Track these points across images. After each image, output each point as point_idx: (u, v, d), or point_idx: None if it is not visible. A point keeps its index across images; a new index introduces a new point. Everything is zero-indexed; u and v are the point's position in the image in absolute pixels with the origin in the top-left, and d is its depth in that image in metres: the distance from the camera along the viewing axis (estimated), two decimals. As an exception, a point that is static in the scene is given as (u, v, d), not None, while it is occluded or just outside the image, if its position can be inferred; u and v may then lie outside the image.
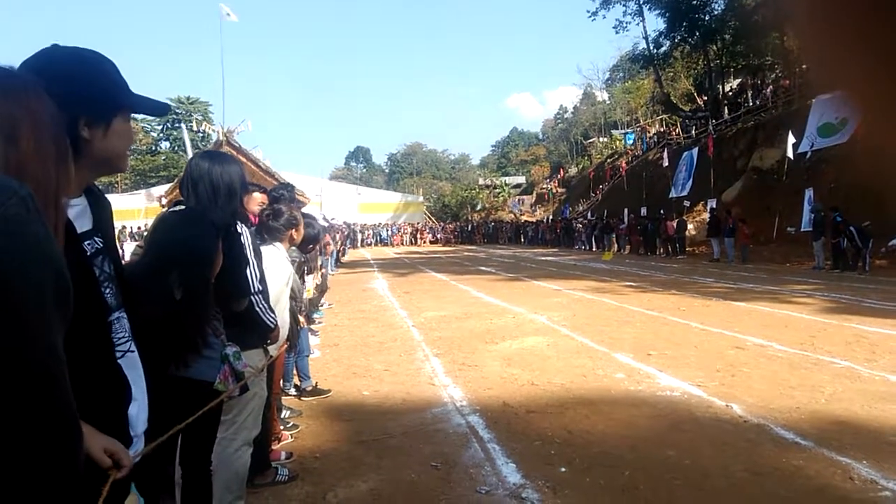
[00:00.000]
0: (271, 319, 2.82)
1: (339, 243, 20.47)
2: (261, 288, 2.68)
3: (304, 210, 4.54)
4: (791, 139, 20.06)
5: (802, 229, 17.93)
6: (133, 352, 1.34)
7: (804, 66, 25.79)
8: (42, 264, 0.64)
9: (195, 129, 43.10)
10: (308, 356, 5.54)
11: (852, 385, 5.03)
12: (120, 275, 1.35)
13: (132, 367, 1.32)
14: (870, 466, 3.40)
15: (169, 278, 2.14)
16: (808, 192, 18.32)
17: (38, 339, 0.63)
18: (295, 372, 5.29)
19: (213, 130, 28.08)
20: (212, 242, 2.39)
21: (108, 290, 1.30)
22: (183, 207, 2.43)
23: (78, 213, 1.29)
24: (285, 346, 3.84)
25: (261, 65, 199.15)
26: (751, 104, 29.94)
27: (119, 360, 1.29)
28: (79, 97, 1.27)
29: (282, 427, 4.39)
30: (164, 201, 24.11)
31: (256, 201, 3.78)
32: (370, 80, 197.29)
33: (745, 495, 3.19)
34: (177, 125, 58.83)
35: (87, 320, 0.99)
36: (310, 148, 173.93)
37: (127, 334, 1.33)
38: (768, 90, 29.96)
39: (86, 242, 1.28)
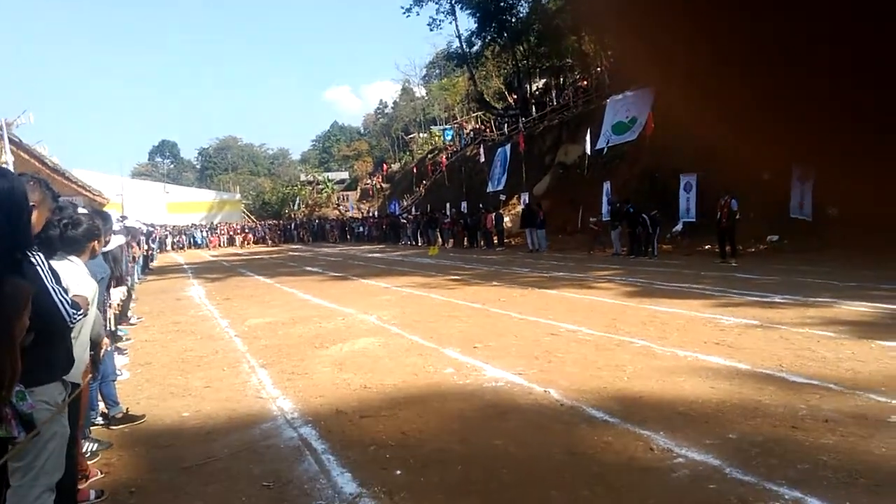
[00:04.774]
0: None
1: (146, 248, 18.85)
2: (75, 311, 2.44)
3: (84, 209, 4.07)
4: (589, 136, 22.05)
5: (603, 219, 19.81)
6: None
7: (598, 69, 28.52)
8: None
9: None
10: (115, 380, 5.03)
11: (649, 362, 5.64)
12: None
13: None
14: (666, 437, 3.85)
15: None
16: (606, 185, 20.27)
17: None
18: (100, 398, 4.78)
19: (-16, 124, 24.42)
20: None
21: None
22: None
23: None
24: (89, 375, 3.45)
25: (44, 52, 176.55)
26: (555, 103, 32.42)
27: None
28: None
29: (89, 462, 3.95)
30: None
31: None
32: (173, 69, 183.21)
33: (564, 476, 3.44)
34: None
35: None
36: (106, 143, 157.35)
37: None
38: (569, 90, 32.68)
39: None
